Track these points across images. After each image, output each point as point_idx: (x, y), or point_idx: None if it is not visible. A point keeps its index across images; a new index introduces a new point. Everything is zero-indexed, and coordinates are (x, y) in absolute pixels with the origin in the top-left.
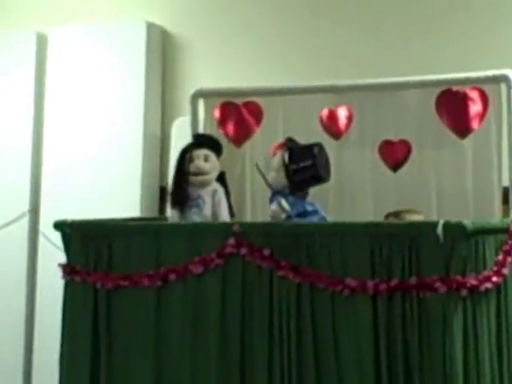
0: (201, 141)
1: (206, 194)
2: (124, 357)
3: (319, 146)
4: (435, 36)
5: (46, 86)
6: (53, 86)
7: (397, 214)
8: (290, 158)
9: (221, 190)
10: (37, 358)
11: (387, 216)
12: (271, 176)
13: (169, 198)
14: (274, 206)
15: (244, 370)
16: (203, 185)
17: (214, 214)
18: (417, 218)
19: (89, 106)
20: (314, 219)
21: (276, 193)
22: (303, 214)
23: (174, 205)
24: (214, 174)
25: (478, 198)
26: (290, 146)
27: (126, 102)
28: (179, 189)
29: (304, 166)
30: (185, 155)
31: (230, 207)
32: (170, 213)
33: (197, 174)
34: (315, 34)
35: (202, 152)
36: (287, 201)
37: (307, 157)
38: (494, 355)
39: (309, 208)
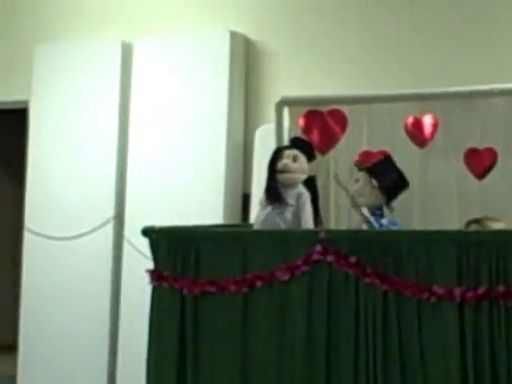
0: (295, 142)
1: (290, 195)
2: (210, 362)
3: (389, 156)
4: None
5: (131, 95)
6: (138, 94)
7: (478, 221)
8: (372, 174)
9: (306, 195)
10: (121, 363)
11: (468, 224)
12: (362, 201)
13: (263, 196)
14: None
15: (330, 377)
16: (289, 185)
17: (297, 217)
18: (498, 225)
19: (173, 113)
20: None
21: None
22: None
23: (268, 201)
24: (301, 176)
25: None
26: (366, 166)
27: (209, 110)
28: (271, 185)
29: (390, 177)
30: (277, 154)
31: (317, 213)
32: (256, 211)
33: (284, 171)
34: (400, 42)
35: (292, 152)
36: (382, 222)
37: (387, 168)
38: None
39: (394, 228)
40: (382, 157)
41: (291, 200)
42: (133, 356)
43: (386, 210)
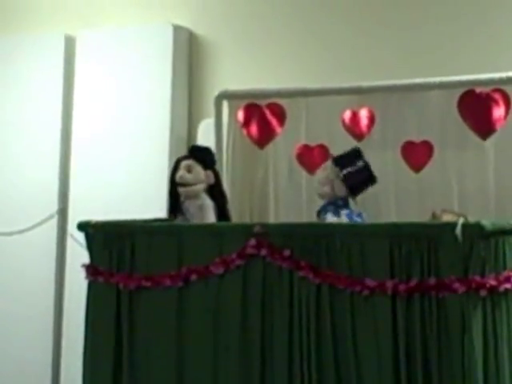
0: (191, 152)
1: (192, 206)
2: (146, 356)
3: (358, 148)
4: (458, 37)
5: (74, 88)
6: (81, 88)
7: (435, 215)
8: (338, 164)
9: (208, 204)
10: (65, 358)
11: (433, 215)
12: (324, 190)
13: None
14: (330, 217)
15: (264, 369)
16: (189, 197)
17: None
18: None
19: (116, 107)
20: None
21: (329, 204)
22: None
23: (168, 214)
24: (198, 186)
25: (500, 198)
26: (335, 156)
27: (152, 104)
28: (171, 198)
29: (357, 169)
30: (176, 165)
31: (226, 218)
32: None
33: (181, 184)
34: (338, 36)
35: (186, 162)
36: (340, 213)
37: (356, 160)
38: None
39: (357, 219)
40: (351, 148)
41: (194, 211)
42: (77, 352)
43: (351, 202)
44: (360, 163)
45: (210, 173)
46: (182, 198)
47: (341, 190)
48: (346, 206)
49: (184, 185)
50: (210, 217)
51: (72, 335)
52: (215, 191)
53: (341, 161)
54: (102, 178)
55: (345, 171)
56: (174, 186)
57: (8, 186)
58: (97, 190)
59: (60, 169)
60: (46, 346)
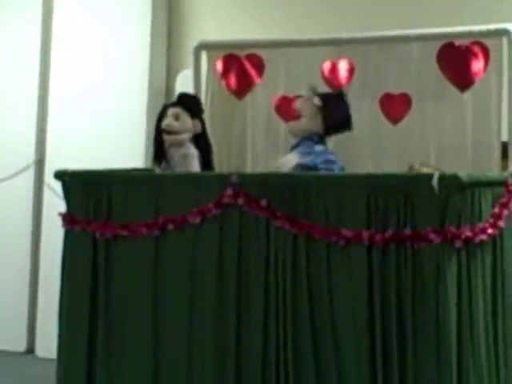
0: (179, 99)
1: (177, 155)
2: (122, 304)
3: (343, 92)
4: None
5: (52, 39)
6: (58, 39)
7: (412, 168)
8: (322, 98)
9: (192, 154)
10: (41, 307)
11: (410, 168)
12: (303, 122)
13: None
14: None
15: (240, 318)
16: (174, 145)
17: None
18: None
19: (94, 58)
20: (335, 167)
21: (304, 139)
22: (328, 161)
23: (153, 161)
24: (185, 135)
25: (477, 151)
26: (319, 92)
27: (131, 55)
28: (156, 145)
29: (338, 112)
30: (162, 112)
31: (210, 168)
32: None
33: (167, 132)
34: None
35: (174, 110)
36: (314, 148)
37: (339, 102)
38: (489, 306)
39: (331, 157)
40: (339, 91)
41: (179, 160)
42: (54, 301)
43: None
44: (341, 104)
45: (197, 122)
46: (166, 146)
47: (317, 125)
48: (321, 142)
49: (170, 132)
50: (194, 166)
51: (48, 284)
52: (200, 140)
53: (324, 96)
54: (79, 129)
55: (328, 107)
56: (160, 132)
57: None
58: (74, 140)
59: (37, 120)
60: (23, 295)
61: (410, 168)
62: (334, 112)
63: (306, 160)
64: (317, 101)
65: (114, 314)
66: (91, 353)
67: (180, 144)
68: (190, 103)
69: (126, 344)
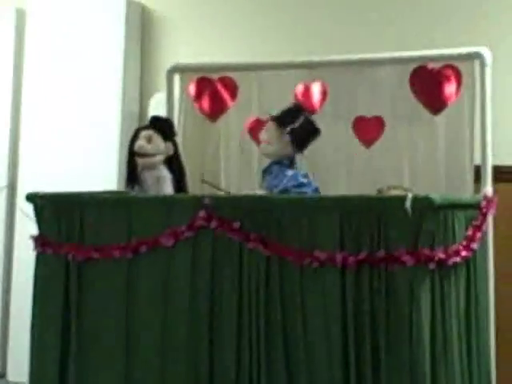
0: (151, 122)
1: (150, 178)
2: (95, 328)
3: (297, 104)
4: (410, 13)
5: (24, 62)
6: (31, 62)
7: (381, 191)
8: (281, 123)
9: (165, 176)
10: (13, 331)
11: (378, 191)
12: (268, 150)
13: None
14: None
15: (212, 341)
16: (147, 168)
17: None
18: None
19: (67, 82)
20: (309, 190)
21: (274, 163)
22: (300, 185)
23: (126, 184)
24: (158, 158)
25: (450, 174)
26: (273, 115)
27: (104, 78)
28: (129, 168)
29: (300, 124)
30: (135, 135)
31: (183, 190)
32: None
33: (140, 154)
34: (289, 10)
35: (146, 133)
36: (285, 172)
37: (296, 115)
38: (462, 327)
39: (303, 180)
40: (290, 104)
41: (151, 182)
42: (25, 326)
43: (298, 162)
44: (301, 118)
45: (169, 144)
46: (139, 169)
47: (286, 149)
48: (291, 165)
49: (143, 155)
50: (167, 188)
51: (20, 309)
52: (174, 163)
53: (282, 119)
54: (52, 153)
55: (288, 128)
56: (133, 155)
57: None
58: (47, 164)
59: (9, 143)
60: None
61: (378, 192)
62: (298, 129)
63: (277, 183)
64: (277, 127)
65: (87, 337)
66: (62, 378)
67: (153, 167)
68: (162, 125)
69: (98, 368)
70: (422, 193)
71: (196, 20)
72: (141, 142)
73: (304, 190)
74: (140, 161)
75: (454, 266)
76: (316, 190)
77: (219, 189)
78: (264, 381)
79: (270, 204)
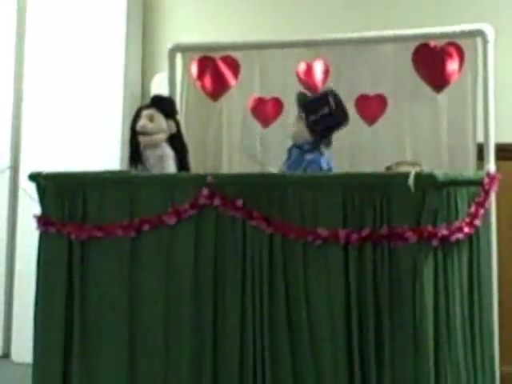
0: (153, 101)
1: (153, 157)
2: (98, 307)
3: (331, 91)
4: None
5: (25, 41)
6: (33, 43)
7: (390, 169)
8: (305, 111)
9: (168, 154)
10: (16, 311)
11: (387, 169)
12: (293, 131)
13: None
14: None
15: (216, 320)
16: (150, 146)
17: None
18: (405, 168)
19: (69, 63)
20: None
21: (295, 146)
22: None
23: (129, 164)
24: (160, 136)
25: (452, 152)
26: (301, 99)
27: (106, 59)
28: (132, 147)
29: (322, 115)
30: (137, 114)
31: (186, 169)
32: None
33: (142, 133)
34: None
35: (148, 112)
36: (306, 158)
37: (322, 105)
38: (466, 304)
39: (324, 165)
40: (321, 91)
41: (154, 161)
42: (28, 306)
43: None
44: (325, 108)
45: (171, 122)
46: (141, 147)
47: (306, 134)
48: (311, 150)
49: (145, 134)
50: (170, 166)
51: (24, 289)
52: (176, 141)
53: (306, 106)
54: (54, 134)
55: (310, 118)
56: (135, 135)
57: None
58: (49, 145)
59: (12, 125)
60: None
61: (387, 169)
62: (319, 121)
63: (295, 169)
64: (300, 113)
65: (90, 315)
66: (67, 355)
67: (155, 145)
68: (163, 104)
69: (102, 345)
70: (424, 170)
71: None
72: (143, 121)
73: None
74: (142, 139)
75: (456, 243)
76: None
77: (260, 163)
78: (268, 356)
79: (272, 181)
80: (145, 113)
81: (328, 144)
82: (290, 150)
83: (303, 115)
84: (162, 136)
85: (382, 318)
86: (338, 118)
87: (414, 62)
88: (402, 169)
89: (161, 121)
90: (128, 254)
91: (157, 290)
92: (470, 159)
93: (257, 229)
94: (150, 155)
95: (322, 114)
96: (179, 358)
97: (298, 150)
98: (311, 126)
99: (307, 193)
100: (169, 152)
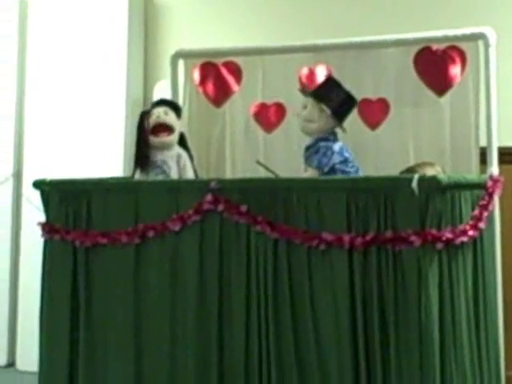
0: (162, 101)
1: (169, 158)
2: (103, 314)
3: (331, 76)
4: None
5: (27, 51)
6: (34, 51)
7: (410, 170)
8: (319, 97)
9: (185, 155)
10: (21, 319)
11: (408, 169)
12: (310, 128)
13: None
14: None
15: (222, 325)
16: (165, 147)
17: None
18: (430, 171)
19: (71, 69)
20: (352, 171)
21: (320, 140)
22: (345, 160)
23: (136, 167)
24: (175, 136)
25: (455, 156)
26: (308, 91)
27: (108, 65)
28: (140, 151)
29: (337, 96)
30: (143, 116)
31: (195, 171)
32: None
33: (158, 130)
34: None
35: (160, 108)
36: (332, 148)
37: (332, 88)
38: (471, 307)
39: (347, 154)
40: (325, 78)
41: (172, 163)
42: (33, 314)
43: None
44: (336, 90)
45: (180, 122)
46: (153, 150)
47: (328, 123)
48: (336, 139)
49: (161, 130)
50: (190, 167)
51: (29, 297)
52: (182, 146)
53: (320, 94)
54: (57, 141)
55: (326, 102)
56: (143, 138)
57: None
58: (52, 152)
59: (15, 132)
60: (2, 309)
61: (407, 171)
62: (334, 100)
63: (327, 161)
64: (316, 104)
65: (95, 323)
66: (73, 364)
67: (170, 145)
68: (173, 103)
69: (107, 353)
70: (427, 174)
71: (199, 5)
72: (160, 114)
73: (347, 170)
74: (156, 140)
75: (461, 246)
76: (357, 169)
77: (272, 172)
78: (274, 362)
79: (276, 186)
80: (157, 109)
81: (344, 130)
82: (312, 146)
83: (319, 106)
84: (176, 136)
85: (387, 321)
86: (351, 95)
87: (415, 65)
88: (425, 170)
89: (175, 118)
90: (133, 260)
91: (162, 295)
92: (473, 163)
93: (261, 234)
94: (162, 157)
95: (337, 94)
96: (185, 365)
97: (325, 143)
98: (332, 108)
99: (311, 197)
100: (183, 153)
